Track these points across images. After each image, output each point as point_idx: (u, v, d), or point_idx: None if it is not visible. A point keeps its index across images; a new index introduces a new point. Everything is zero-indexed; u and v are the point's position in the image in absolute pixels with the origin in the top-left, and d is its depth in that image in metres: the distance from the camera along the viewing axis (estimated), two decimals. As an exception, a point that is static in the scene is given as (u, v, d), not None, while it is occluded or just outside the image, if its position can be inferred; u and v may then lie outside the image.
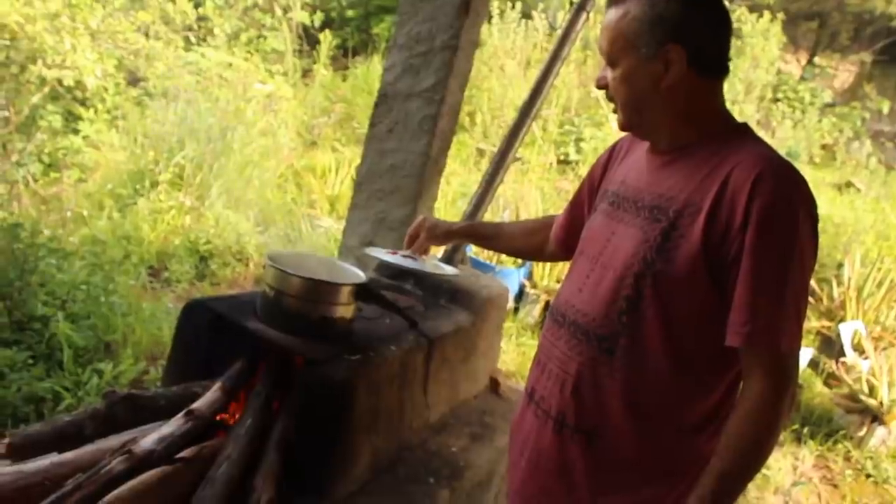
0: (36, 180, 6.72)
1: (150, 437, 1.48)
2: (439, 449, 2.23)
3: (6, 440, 1.51)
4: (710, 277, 1.28)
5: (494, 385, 2.84)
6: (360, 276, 1.96)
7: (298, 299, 1.87)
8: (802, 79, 11.42)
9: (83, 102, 7.20)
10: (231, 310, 1.93)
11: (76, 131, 7.09)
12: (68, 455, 1.51)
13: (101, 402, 1.68)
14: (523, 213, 5.78)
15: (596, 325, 1.38)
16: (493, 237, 2.00)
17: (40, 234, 4.55)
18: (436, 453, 2.19)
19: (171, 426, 1.54)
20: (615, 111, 1.42)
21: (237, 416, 1.78)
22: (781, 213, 1.23)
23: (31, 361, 3.58)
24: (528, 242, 1.89)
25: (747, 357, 1.27)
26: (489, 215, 4.00)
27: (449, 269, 1.98)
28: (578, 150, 7.87)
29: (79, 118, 7.12)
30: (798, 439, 4.53)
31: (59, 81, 6.86)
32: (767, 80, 9.59)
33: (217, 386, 1.75)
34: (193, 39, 8.77)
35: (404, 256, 1.89)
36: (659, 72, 1.32)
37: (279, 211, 6.15)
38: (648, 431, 1.38)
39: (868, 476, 4.39)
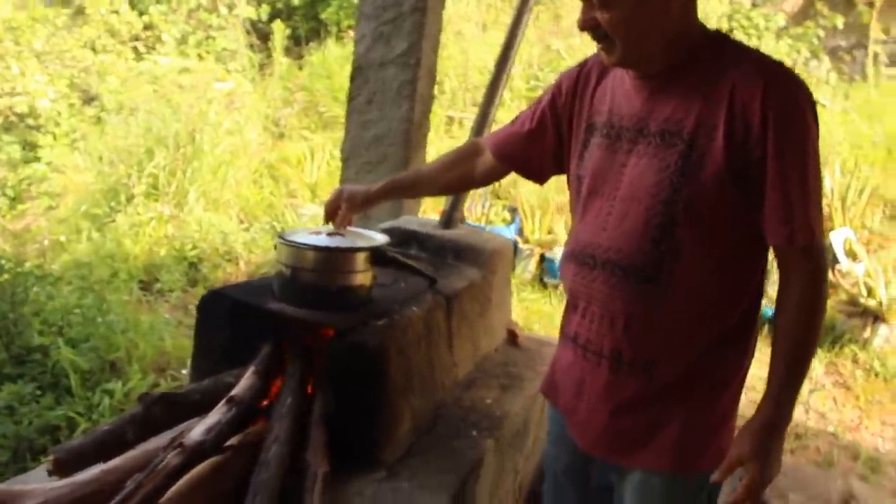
0: (3, 215, 6.60)
1: (197, 430, 1.45)
2: (473, 403, 2.23)
3: (51, 457, 1.48)
4: (736, 186, 1.31)
5: (512, 336, 2.84)
6: (379, 238, 1.94)
7: (315, 272, 1.84)
8: (754, 5, 11.44)
9: (38, 129, 7.05)
10: (249, 295, 1.90)
11: (37, 159, 6.96)
12: (116, 461, 1.49)
13: (138, 406, 1.66)
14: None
15: (633, 258, 1.39)
16: (414, 184, 2.00)
17: (23, 263, 4.47)
18: (471, 407, 2.19)
19: (216, 416, 1.52)
20: (605, 49, 1.40)
21: (275, 399, 1.76)
22: (794, 114, 1.29)
23: (38, 392, 3.54)
24: (453, 175, 1.84)
25: (787, 254, 1.33)
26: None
27: (380, 237, 1.97)
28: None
29: (37, 146, 6.98)
30: (806, 350, 4.61)
31: (11, 109, 6.71)
32: (721, 11, 9.59)
33: (250, 371, 1.73)
34: (143, 49, 8.61)
35: (329, 234, 1.88)
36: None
37: (259, 206, 6.09)
38: (699, 349, 1.41)
39: (877, 374, 4.49)
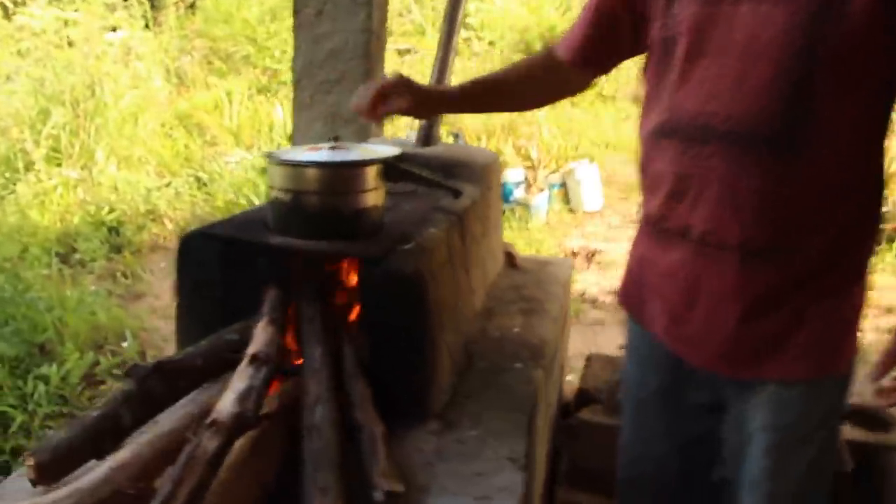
0: None
1: (226, 401, 1.12)
2: (502, 333, 1.96)
3: (30, 462, 1.12)
4: (888, 31, 1.06)
5: (511, 259, 2.57)
6: (388, 150, 1.61)
7: (324, 195, 1.50)
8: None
9: None
10: (241, 231, 1.55)
11: None
12: (124, 455, 1.14)
13: (128, 383, 1.30)
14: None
15: (760, 125, 1.12)
16: (493, 95, 1.55)
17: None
18: (502, 338, 1.92)
19: (242, 381, 1.18)
20: None
21: (297, 351, 1.44)
22: None
23: (-40, 391, 3.07)
24: (535, 90, 1.53)
25: None
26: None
27: (388, 148, 1.64)
28: (466, 27, 7.48)
29: None
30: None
31: None
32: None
33: (264, 322, 1.39)
34: (9, 4, 7.68)
35: (332, 149, 1.55)
36: None
37: (175, 160, 5.55)
38: (834, 230, 1.18)
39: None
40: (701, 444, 1.44)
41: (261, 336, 1.35)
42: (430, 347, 1.51)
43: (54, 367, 3.26)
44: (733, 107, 1.14)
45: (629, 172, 5.62)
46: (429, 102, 1.53)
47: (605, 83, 6.50)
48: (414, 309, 1.46)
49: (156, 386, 1.31)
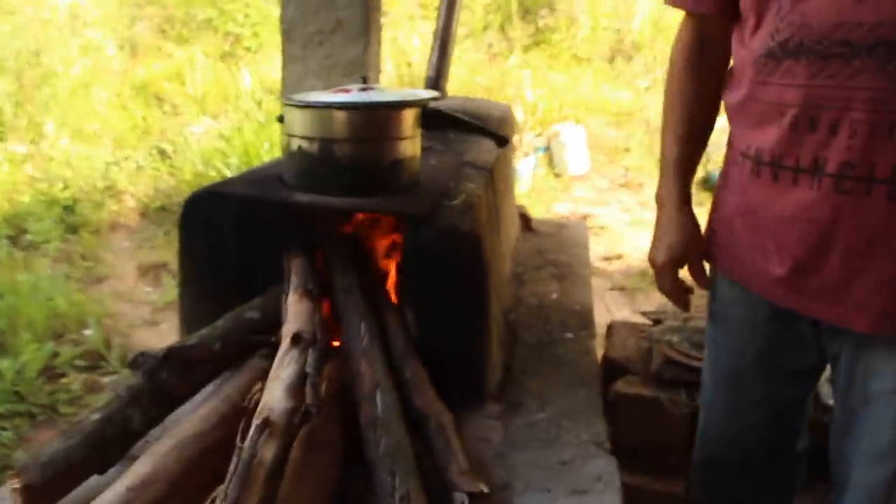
0: None
1: (274, 394, 0.88)
2: (540, 301, 1.75)
3: (15, 483, 0.88)
4: None
5: (525, 221, 2.37)
6: (425, 93, 1.38)
7: (358, 142, 1.26)
8: None
9: None
10: (259, 190, 1.30)
11: None
12: (142, 469, 0.89)
13: (135, 376, 1.06)
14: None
15: None
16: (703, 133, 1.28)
17: None
18: (542, 306, 1.72)
19: (287, 367, 0.95)
20: None
21: (339, 329, 1.21)
22: None
23: None
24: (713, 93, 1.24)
25: None
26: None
27: (423, 91, 1.43)
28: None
29: None
30: None
31: None
32: None
33: (296, 294, 1.15)
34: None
35: (362, 90, 1.33)
36: None
37: (134, 132, 5.17)
38: None
39: None
40: (793, 412, 1.31)
41: (296, 311, 1.12)
42: (487, 317, 1.29)
43: (8, 361, 2.93)
44: (884, 11, 0.93)
45: (613, 135, 5.45)
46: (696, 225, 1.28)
47: (580, 44, 6.30)
48: (471, 272, 1.24)
49: (171, 377, 1.08)
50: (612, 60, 6.21)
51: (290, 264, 1.27)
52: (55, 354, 3.08)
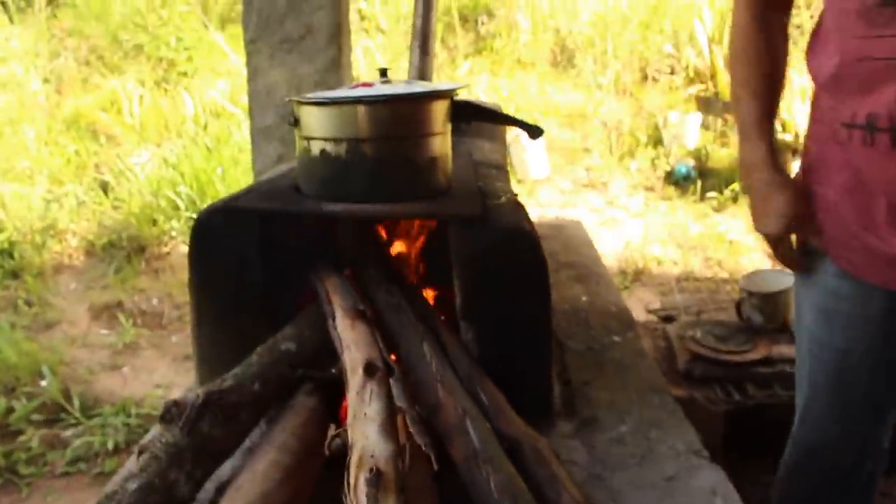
0: None
1: (369, 437, 0.72)
2: (572, 305, 1.63)
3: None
4: None
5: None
6: (450, 84, 1.23)
7: (393, 140, 1.12)
8: None
9: None
10: (280, 202, 1.14)
11: None
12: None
13: (169, 431, 0.89)
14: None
15: None
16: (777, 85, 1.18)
17: None
18: (576, 309, 1.60)
19: (372, 404, 0.79)
20: None
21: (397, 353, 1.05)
22: None
23: None
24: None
25: None
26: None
27: (448, 83, 1.30)
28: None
29: None
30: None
31: None
32: None
33: (347, 319, 1.00)
34: None
35: (384, 84, 1.19)
36: None
37: (69, 166, 4.86)
38: None
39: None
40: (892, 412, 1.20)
41: (353, 337, 0.96)
42: (551, 324, 1.16)
43: (-47, 421, 2.67)
44: None
45: (567, 137, 5.40)
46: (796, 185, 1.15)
47: (522, 50, 6.26)
48: (535, 275, 1.11)
49: (213, 428, 0.91)
50: (555, 63, 6.19)
51: (323, 284, 1.11)
52: (9, 410, 2.81)
